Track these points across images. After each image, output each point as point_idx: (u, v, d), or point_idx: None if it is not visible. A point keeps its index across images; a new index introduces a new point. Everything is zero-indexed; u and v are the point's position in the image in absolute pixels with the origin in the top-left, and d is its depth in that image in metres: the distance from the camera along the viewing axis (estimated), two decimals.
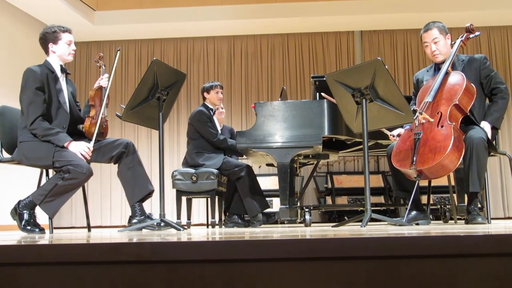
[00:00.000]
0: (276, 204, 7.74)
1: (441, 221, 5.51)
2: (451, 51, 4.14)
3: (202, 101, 5.89)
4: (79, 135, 4.08)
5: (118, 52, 4.21)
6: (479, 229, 2.60)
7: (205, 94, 5.80)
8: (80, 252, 1.66)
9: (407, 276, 1.56)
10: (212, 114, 5.72)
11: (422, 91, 4.14)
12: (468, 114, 3.95)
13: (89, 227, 4.68)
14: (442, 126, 3.79)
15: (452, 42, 4.20)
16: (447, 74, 4.04)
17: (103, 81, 4.27)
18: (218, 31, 9.39)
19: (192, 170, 5.46)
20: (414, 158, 3.73)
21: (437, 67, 4.22)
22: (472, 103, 3.93)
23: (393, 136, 4.22)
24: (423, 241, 1.60)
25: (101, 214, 9.29)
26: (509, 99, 4.09)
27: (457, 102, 3.86)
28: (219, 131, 5.74)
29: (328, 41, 9.52)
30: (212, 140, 5.56)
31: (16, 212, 3.88)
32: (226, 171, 5.47)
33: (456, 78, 3.97)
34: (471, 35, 4.23)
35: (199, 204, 8.73)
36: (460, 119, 3.92)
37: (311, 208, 5.15)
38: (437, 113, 3.87)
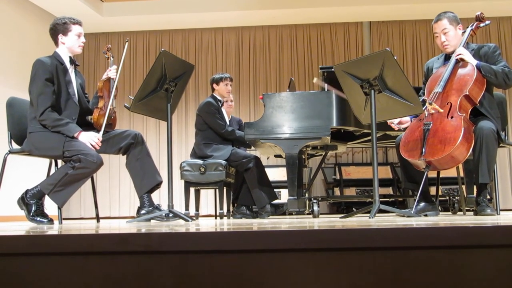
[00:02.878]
0: (284, 195, 7.75)
1: (449, 213, 5.49)
2: (461, 40, 4.11)
3: (210, 92, 5.88)
4: (87, 126, 4.10)
5: (127, 43, 4.21)
6: (488, 220, 2.59)
7: (214, 85, 5.79)
8: (89, 242, 1.67)
9: (415, 267, 1.56)
10: (220, 105, 5.71)
11: (431, 81, 4.11)
12: (478, 105, 3.92)
13: (98, 218, 4.70)
14: (452, 117, 3.76)
15: (462, 31, 4.17)
16: (457, 63, 4.01)
17: (112, 72, 4.28)
18: (227, 22, 9.37)
19: (200, 161, 5.46)
20: (423, 149, 3.72)
21: (448, 56, 4.19)
22: (482, 93, 3.90)
23: (393, 124, 4.19)
24: (431, 232, 1.60)
25: (109, 205, 9.34)
26: (507, 80, 3.91)
27: (467, 93, 3.83)
28: (227, 123, 5.74)
29: (337, 32, 9.48)
30: (220, 131, 5.56)
31: (24, 202, 3.90)
32: (234, 162, 5.47)
33: (467, 68, 3.94)
34: (481, 24, 4.19)
35: (207, 195, 8.75)
36: (470, 110, 3.89)
37: (319, 199, 5.14)
38: (447, 104, 3.84)
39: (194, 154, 5.68)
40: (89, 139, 3.89)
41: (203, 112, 5.63)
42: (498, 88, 4.18)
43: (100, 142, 3.93)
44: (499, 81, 3.92)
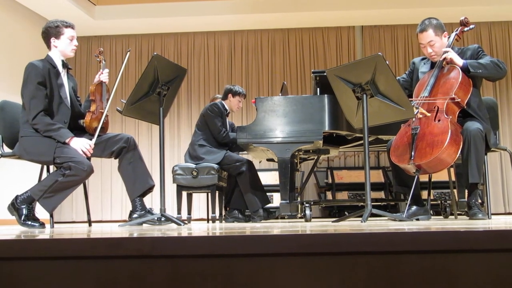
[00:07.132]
0: (276, 199, 7.74)
1: (441, 217, 5.51)
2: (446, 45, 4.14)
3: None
4: (79, 130, 4.08)
5: (128, 53, 4.22)
6: (479, 224, 2.60)
7: (230, 95, 5.83)
8: (81, 247, 1.66)
9: (407, 271, 1.56)
10: (226, 113, 5.76)
11: (418, 86, 4.14)
12: (465, 107, 3.95)
13: (89, 222, 4.68)
14: (439, 120, 3.80)
15: (447, 37, 4.19)
16: (442, 68, 4.04)
17: (103, 76, 4.27)
18: (219, 26, 9.38)
19: (192, 165, 5.46)
20: (412, 153, 3.74)
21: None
22: (469, 96, 3.93)
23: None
24: (423, 237, 1.60)
25: (101, 209, 9.30)
26: (499, 69, 3.91)
27: (453, 96, 3.86)
28: (228, 129, 5.76)
29: (329, 36, 9.51)
30: (216, 134, 5.58)
31: (14, 207, 3.88)
32: (227, 165, 5.47)
33: (452, 72, 3.97)
34: (466, 29, 4.24)
35: (200, 199, 8.73)
36: (457, 113, 3.92)
37: (312, 203, 5.13)
38: (434, 108, 3.87)
39: (188, 154, 5.69)
40: (81, 145, 3.87)
41: (207, 110, 5.67)
42: (493, 81, 4.18)
43: (92, 149, 3.92)
44: (491, 71, 3.91)
